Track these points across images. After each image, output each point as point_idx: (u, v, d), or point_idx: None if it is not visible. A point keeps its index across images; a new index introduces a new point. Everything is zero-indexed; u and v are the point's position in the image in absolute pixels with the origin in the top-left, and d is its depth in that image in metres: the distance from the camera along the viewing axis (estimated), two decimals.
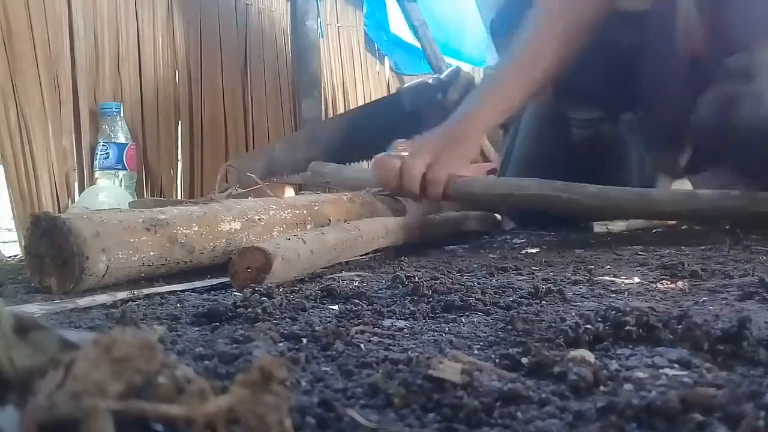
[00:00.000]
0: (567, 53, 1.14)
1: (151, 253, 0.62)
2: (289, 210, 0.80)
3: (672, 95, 1.15)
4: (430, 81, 1.66)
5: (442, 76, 1.65)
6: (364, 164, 1.65)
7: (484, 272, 0.70)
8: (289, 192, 1.57)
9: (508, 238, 1.14)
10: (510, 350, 0.36)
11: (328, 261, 0.73)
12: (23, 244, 0.62)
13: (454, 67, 1.73)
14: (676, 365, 0.33)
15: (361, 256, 0.83)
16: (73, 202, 1.37)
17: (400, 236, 0.90)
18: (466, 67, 2.38)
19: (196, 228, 0.66)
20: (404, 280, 0.59)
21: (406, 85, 1.99)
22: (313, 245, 0.66)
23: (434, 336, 0.41)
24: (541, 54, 1.13)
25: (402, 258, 0.85)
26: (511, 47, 1.16)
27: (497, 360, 0.35)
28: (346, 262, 0.80)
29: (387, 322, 0.45)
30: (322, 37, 2.04)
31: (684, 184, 1.31)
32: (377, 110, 1.72)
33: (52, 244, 0.58)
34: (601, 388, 0.30)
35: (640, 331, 0.38)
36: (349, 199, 0.94)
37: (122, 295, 0.55)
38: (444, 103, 1.56)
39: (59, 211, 1.27)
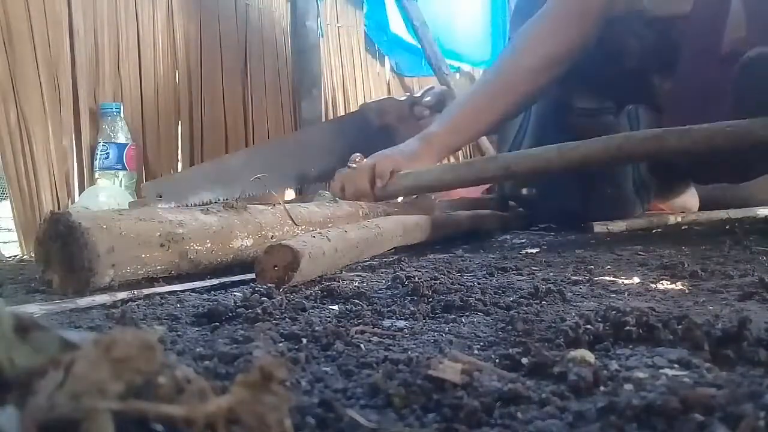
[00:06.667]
0: (534, 87, 1.18)
1: (158, 267, 0.62)
2: (302, 228, 0.79)
3: (708, 94, 1.14)
4: (401, 98, 1.64)
5: (416, 94, 1.62)
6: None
7: (484, 272, 0.70)
8: (290, 196, 1.56)
9: (508, 238, 1.14)
10: (510, 350, 0.36)
11: (351, 259, 0.73)
12: (36, 235, 0.60)
13: (431, 87, 1.67)
14: (676, 365, 0.33)
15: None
16: (73, 202, 1.37)
17: (417, 235, 0.90)
18: (465, 68, 2.38)
19: (209, 244, 0.66)
20: (404, 280, 0.59)
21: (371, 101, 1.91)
22: (337, 243, 0.66)
23: (434, 336, 0.41)
24: (508, 87, 1.16)
25: (402, 258, 0.85)
26: (482, 77, 1.21)
27: (497, 360, 0.35)
28: None
29: (387, 322, 0.45)
30: (322, 37, 2.03)
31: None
32: (343, 127, 1.67)
33: (64, 248, 0.57)
34: (601, 388, 0.30)
35: (640, 331, 0.38)
36: (365, 215, 0.93)
37: (122, 295, 0.55)
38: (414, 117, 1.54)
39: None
